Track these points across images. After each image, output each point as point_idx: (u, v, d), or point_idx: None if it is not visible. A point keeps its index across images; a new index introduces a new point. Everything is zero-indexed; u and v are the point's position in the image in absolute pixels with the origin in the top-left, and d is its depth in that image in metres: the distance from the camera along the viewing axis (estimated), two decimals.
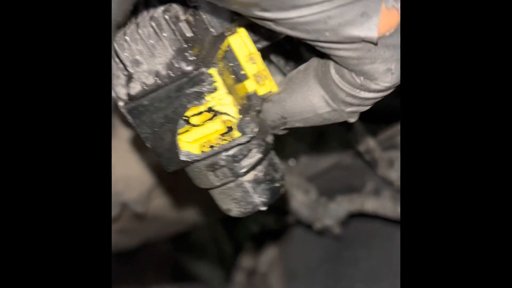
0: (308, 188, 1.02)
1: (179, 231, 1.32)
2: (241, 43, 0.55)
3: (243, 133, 0.52)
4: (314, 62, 0.53)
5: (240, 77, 0.55)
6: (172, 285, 1.40)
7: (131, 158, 0.90)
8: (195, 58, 0.51)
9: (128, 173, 0.91)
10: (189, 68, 0.51)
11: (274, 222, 1.18)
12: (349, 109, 0.51)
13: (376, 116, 0.83)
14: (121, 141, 0.87)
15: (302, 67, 0.55)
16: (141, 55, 0.52)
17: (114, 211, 0.96)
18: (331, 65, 0.49)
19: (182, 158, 0.54)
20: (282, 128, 0.56)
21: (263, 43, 0.57)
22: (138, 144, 0.89)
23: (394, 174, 0.90)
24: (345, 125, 0.83)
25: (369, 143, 0.87)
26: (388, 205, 0.91)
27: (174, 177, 1.00)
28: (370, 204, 0.94)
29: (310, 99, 0.52)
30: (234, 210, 0.57)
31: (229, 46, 0.54)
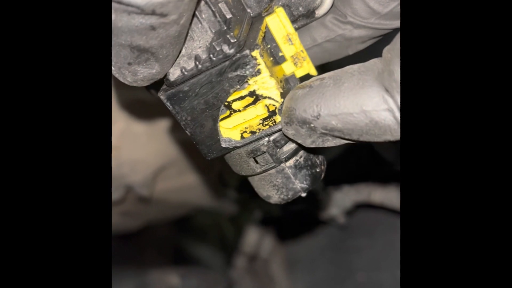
0: None
1: (182, 215, 1.32)
2: (279, 23, 0.52)
3: None
4: (376, 62, 0.45)
5: (278, 59, 0.52)
6: (172, 267, 1.40)
7: (138, 142, 0.89)
8: (236, 40, 0.48)
9: (134, 156, 0.91)
10: (231, 50, 0.48)
11: (278, 209, 1.18)
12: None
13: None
14: (128, 124, 0.86)
15: (358, 64, 0.47)
16: None
17: (119, 193, 0.95)
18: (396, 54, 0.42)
19: (223, 145, 0.52)
20: (312, 125, 0.47)
21: (301, 23, 0.54)
22: (145, 127, 0.89)
23: None
24: None
25: None
26: (395, 196, 0.91)
27: (179, 162, 1.01)
28: (377, 195, 0.93)
29: (362, 91, 0.43)
30: (275, 197, 0.55)
31: (266, 27, 0.52)
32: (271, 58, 0.51)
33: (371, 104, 0.43)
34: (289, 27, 0.52)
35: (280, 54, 0.52)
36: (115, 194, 0.95)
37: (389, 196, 0.92)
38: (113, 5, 0.42)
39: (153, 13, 0.42)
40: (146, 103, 0.85)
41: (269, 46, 0.52)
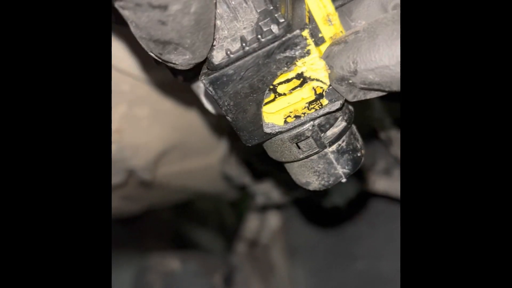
0: None
1: (183, 200, 1.32)
2: (319, 3, 0.50)
3: (333, 99, 0.48)
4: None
5: (317, 41, 0.50)
6: (173, 252, 1.40)
7: (140, 125, 0.88)
8: (285, 20, 0.45)
9: (136, 140, 0.90)
10: (281, 31, 0.45)
11: (280, 196, 1.17)
12: None
13: (396, 94, 0.81)
14: (131, 108, 0.85)
15: (390, 13, 0.47)
16: (221, 20, 0.48)
17: (120, 177, 0.95)
18: None
19: (266, 130, 0.50)
20: (351, 81, 0.46)
21: (341, 2, 0.52)
22: (147, 111, 0.88)
23: None
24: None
25: (386, 121, 0.85)
26: (399, 185, 0.90)
27: (182, 146, 1.00)
28: (382, 184, 0.93)
29: (396, 42, 0.42)
30: (315, 183, 0.53)
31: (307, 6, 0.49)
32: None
33: None
34: (330, 7, 0.50)
35: (320, 35, 0.50)
36: (117, 178, 0.94)
37: (393, 185, 0.92)
38: (123, 4, 0.42)
39: (150, 6, 0.42)
40: (149, 86, 0.84)
41: (310, 26, 0.49)
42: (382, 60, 0.43)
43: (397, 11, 0.45)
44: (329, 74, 0.47)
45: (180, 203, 1.34)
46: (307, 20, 0.46)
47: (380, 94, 0.47)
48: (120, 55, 0.76)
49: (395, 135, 0.87)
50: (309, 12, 0.49)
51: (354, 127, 0.54)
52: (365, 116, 0.87)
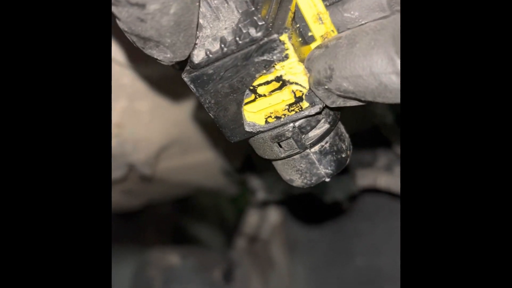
0: None
1: (183, 195, 1.31)
2: (309, 1, 0.50)
3: (312, 104, 0.48)
4: (396, 19, 0.43)
5: (307, 39, 0.50)
6: (173, 247, 1.40)
7: (141, 120, 0.88)
8: (264, 22, 0.46)
9: (137, 134, 0.89)
10: (259, 34, 0.46)
11: (280, 191, 1.17)
12: None
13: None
14: (132, 102, 0.85)
15: (377, 21, 0.47)
16: (204, 19, 0.48)
17: (121, 172, 0.94)
18: None
19: (247, 129, 0.51)
20: (326, 87, 0.46)
21: (330, 0, 0.52)
22: (148, 106, 0.87)
23: None
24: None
25: (388, 118, 0.85)
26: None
27: (183, 141, 1.00)
28: (383, 180, 0.92)
29: (372, 53, 0.42)
30: (298, 181, 0.54)
31: (296, 5, 0.49)
32: (300, 39, 0.49)
33: (379, 66, 0.42)
34: (320, 6, 0.50)
35: (310, 33, 0.50)
36: (117, 173, 0.94)
37: (395, 181, 0.92)
38: None
39: (128, 4, 0.42)
40: (150, 80, 0.84)
41: (298, 25, 0.50)
42: (356, 69, 0.43)
43: (381, 21, 0.44)
44: (308, 77, 0.47)
45: (180, 198, 1.34)
46: (288, 23, 0.46)
47: (359, 103, 0.47)
48: (120, 48, 0.76)
49: (397, 131, 0.87)
50: (299, 10, 0.49)
51: (341, 128, 0.54)
52: (367, 112, 0.86)
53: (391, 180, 0.92)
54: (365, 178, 0.97)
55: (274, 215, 1.33)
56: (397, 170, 0.93)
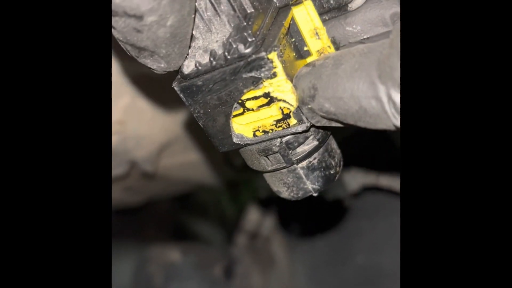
0: None
1: (184, 192, 1.31)
2: (306, 16, 0.49)
3: (300, 121, 0.48)
4: (384, 43, 0.43)
5: (302, 54, 0.50)
6: (173, 243, 1.40)
7: (143, 117, 0.88)
8: (254, 39, 0.46)
9: (139, 131, 0.89)
10: (248, 50, 0.46)
11: None
12: (398, 102, 0.39)
13: None
14: (133, 99, 0.85)
15: (368, 17, 0.47)
16: (197, 30, 0.48)
17: (122, 168, 0.94)
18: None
19: (235, 140, 0.51)
20: (309, 106, 0.46)
21: (332, 15, 0.52)
22: (150, 103, 0.87)
23: None
24: None
25: None
26: None
27: (184, 138, 1.00)
28: (386, 179, 0.92)
29: (355, 76, 0.42)
30: (285, 193, 0.54)
31: (292, 19, 0.49)
32: (294, 53, 0.49)
33: (360, 90, 0.41)
34: (317, 21, 0.50)
35: (306, 48, 0.50)
36: (119, 169, 0.94)
37: (397, 179, 0.92)
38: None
39: (126, 14, 0.42)
40: (152, 78, 0.84)
41: (293, 39, 0.50)
42: (338, 90, 0.43)
43: (369, 44, 0.44)
44: (296, 94, 0.47)
45: (181, 195, 1.34)
46: (279, 40, 0.46)
47: (343, 125, 0.46)
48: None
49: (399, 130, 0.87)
50: (295, 24, 0.49)
51: (331, 144, 0.54)
52: None
53: (393, 179, 0.92)
54: (367, 177, 0.97)
55: (274, 212, 1.33)
56: (399, 168, 0.93)
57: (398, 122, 0.40)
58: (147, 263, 1.33)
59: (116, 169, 0.93)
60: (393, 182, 0.93)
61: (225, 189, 1.51)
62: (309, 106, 0.46)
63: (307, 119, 0.47)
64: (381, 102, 0.40)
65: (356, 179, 0.98)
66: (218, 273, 1.31)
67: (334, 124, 0.47)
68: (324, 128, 0.51)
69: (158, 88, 0.85)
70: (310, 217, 1.23)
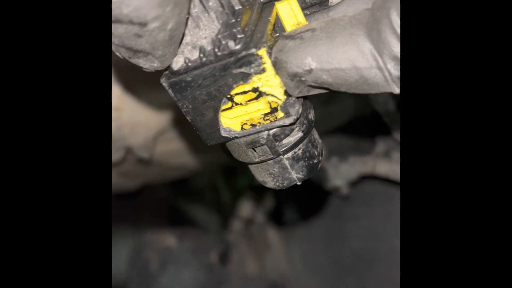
0: None
1: (180, 177, 1.31)
2: (290, 11, 0.51)
3: (288, 114, 0.50)
4: (366, 15, 0.45)
5: None
6: (169, 229, 1.40)
7: (139, 104, 0.87)
8: (243, 35, 0.47)
9: (135, 118, 0.89)
10: (237, 47, 0.47)
11: None
12: (398, 72, 0.42)
13: None
14: (129, 86, 0.84)
15: (350, 12, 0.48)
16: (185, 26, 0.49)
17: (118, 155, 0.94)
18: (394, 6, 0.41)
19: (223, 134, 0.52)
20: (303, 79, 0.47)
21: (314, 9, 0.53)
22: (146, 89, 0.86)
23: None
24: None
25: (389, 106, 0.84)
26: (399, 168, 0.90)
27: (180, 125, 0.99)
28: (382, 167, 0.92)
29: (354, 47, 0.43)
30: (270, 183, 0.56)
31: (277, 14, 0.51)
32: None
33: (363, 62, 0.43)
34: (300, 16, 0.51)
35: None
36: (115, 156, 0.94)
37: (394, 168, 0.92)
38: None
39: (131, 22, 0.42)
40: None
41: (277, 34, 0.51)
42: (339, 63, 0.44)
43: (354, 15, 0.45)
44: (282, 68, 0.47)
45: (178, 180, 1.34)
46: (267, 36, 0.47)
47: (323, 91, 0.48)
48: None
49: (398, 118, 0.86)
50: (279, 20, 0.51)
51: (314, 135, 0.56)
52: (368, 99, 0.86)
53: (390, 167, 0.92)
54: (364, 165, 0.97)
55: (270, 198, 1.33)
56: (396, 156, 0.93)
57: (397, 89, 0.43)
58: (143, 248, 1.33)
59: (112, 155, 0.92)
60: (390, 170, 0.93)
61: (221, 175, 1.51)
62: (303, 79, 0.47)
63: (295, 111, 0.49)
64: (382, 70, 0.42)
65: (354, 168, 0.98)
66: (214, 258, 1.31)
67: (312, 92, 0.49)
68: (304, 97, 0.52)
69: (153, 75, 0.84)
70: (306, 204, 1.23)
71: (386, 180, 0.96)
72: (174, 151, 1.06)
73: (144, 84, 0.85)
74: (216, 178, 1.58)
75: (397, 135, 0.90)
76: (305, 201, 1.23)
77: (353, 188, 1.05)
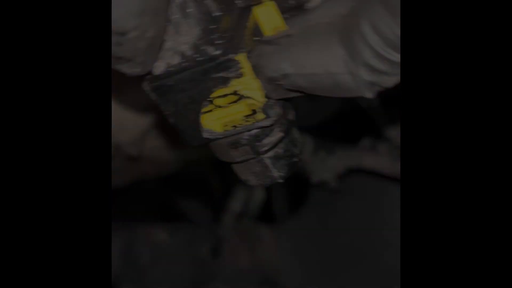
0: (304, 141, 1.01)
1: (170, 171, 1.31)
2: (268, 15, 0.52)
3: (267, 116, 0.51)
4: (342, 18, 0.46)
5: None
6: (160, 224, 1.41)
7: (126, 102, 0.87)
8: (222, 41, 0.49)
9: (122, 115, 0.89)
10: (216, 52, 0.49)
11: None
12: (370, 77, 0.43)
13: None
14: (116, 84, 0.84)
15: (327, 17, 0.49)
16: (166, 32, 0.50)
17: None
18: (365, 15, 0.42)
19: (205, 135, 0.53)
20: (280, 83, 0.49)
21: (292, 13, 0.53)
22: (132, 87, 0.86)
23: (394, 132, 0.89)
24: None
25: (373, 100, 0.85)
26: (385, 162, 0.91)
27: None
28: (369, 160, 0.93)
29: (327, 53, 0.45)
30: (253, 181, 0.57)
31: (255, 18, 0.52)
32: None
33: (335, 67, 0.45)
34: (279, 20, 0.52)
35: None
36: None
37: (380, 161, 0.93)
38: None
39: (112, 32, 0.44)
40: None
41: (257, 38, 0.52)
42: (313, 68, 0.46)
43: (331, 21, 0.46)
44: (260, 72, 0.49)
45: (168, 175, 1.34)
46: (246, 41, 0.49)
47: (299, 94, 0.50)
48: None
49: (382, 112, 0.87)
50: (258, 24, 0.52)
51: (295, 133, 0.57)
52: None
53: (376, 161, 0.93)
54: (351, 159, 0.98)
55: (262, 192, 1.33)
56: (381, 150, 0.94)
57: (369, 94, 0.44)
58: (134, 243, 1.33)
59: None
60: (376, 164, 0.94)
61: (212, 169, 1.51)
62: (280, 83, 0.49)
63: (274, 113, 0.51)
64: (354, 76, 0.44)
65: (341, 162, 0.99)
66: (205, 252, 1.32)
67: (291, 95, 0.51)
68: (282, 99, 0.54)
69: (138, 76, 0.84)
70: (296, 197, 1.24)
71: (373, 173, 0.97)
72: (163, 147, 1.06)
73: (131, 81, 0.85)
74: (207, 173, 1.58)
75: (382, 129, 0.91)
76: (294, 194, 1.24)
77: (340, 181, 1.06)
